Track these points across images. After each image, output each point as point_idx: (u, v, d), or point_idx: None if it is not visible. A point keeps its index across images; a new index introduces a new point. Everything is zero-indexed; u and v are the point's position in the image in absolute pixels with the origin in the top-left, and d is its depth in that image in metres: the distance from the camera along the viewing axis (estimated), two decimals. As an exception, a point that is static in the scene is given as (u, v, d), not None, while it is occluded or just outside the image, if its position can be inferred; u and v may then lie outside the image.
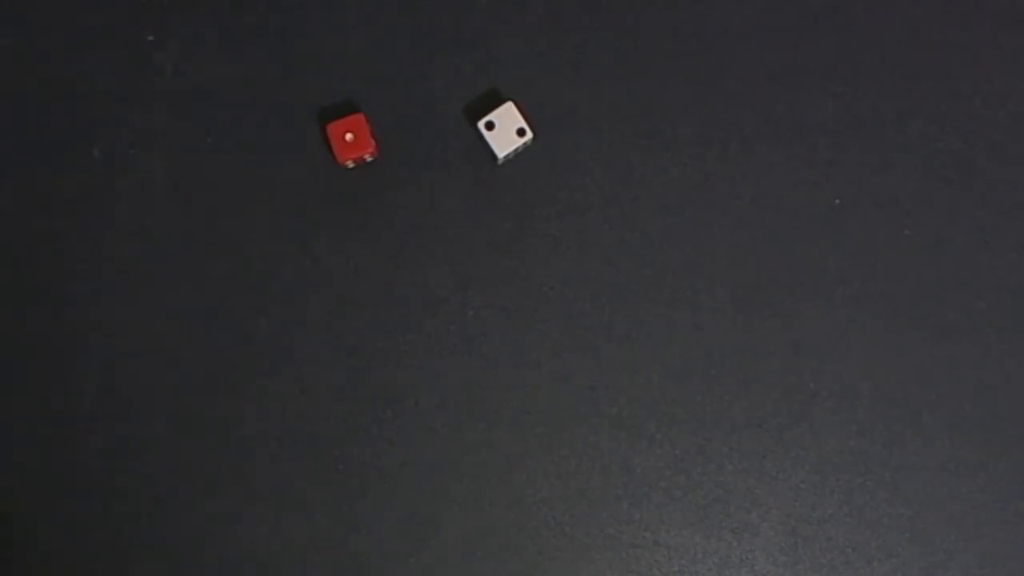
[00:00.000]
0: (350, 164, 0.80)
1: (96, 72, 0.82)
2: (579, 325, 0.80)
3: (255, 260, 0.80)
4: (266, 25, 0.82)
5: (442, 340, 0.80)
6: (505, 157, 0.79)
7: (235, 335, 0.79)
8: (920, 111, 0.81)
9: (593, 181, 0.81)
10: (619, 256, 0.80)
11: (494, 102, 0.81)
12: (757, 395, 0.79)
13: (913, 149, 0.81)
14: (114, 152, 0.81)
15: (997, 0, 0.82)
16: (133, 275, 0.80)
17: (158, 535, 0.78)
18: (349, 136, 0.78)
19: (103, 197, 0.81)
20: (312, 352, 0.79)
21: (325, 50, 0.82)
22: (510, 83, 0.81)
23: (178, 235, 0.80)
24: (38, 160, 0.81)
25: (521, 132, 0.79)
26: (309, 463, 0.79)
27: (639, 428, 0.79)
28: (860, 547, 0.78)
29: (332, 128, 0.78)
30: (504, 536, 0.78)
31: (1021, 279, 0.80)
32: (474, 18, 0.82)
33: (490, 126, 0.79)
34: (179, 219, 0.81)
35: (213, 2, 0.83)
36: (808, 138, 0.81)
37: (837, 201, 0.81)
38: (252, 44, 0.82)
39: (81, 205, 0.80)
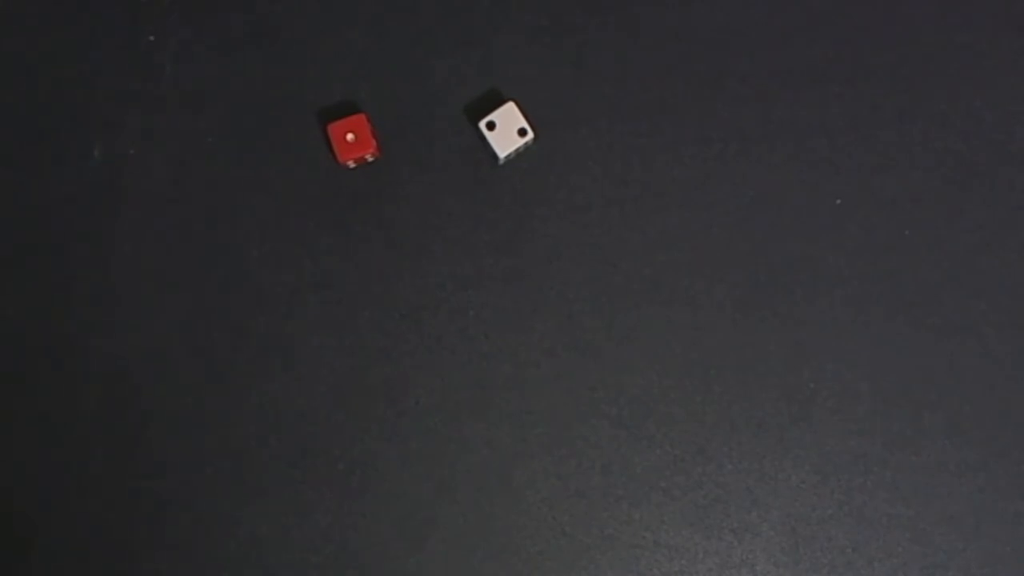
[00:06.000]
0: (351, 164, 0.80)
1: (96, 72, 0.82)
2: (579, 325, 0.80)
3: (255, 260, 0.80)
4: (266, 25, 0.82)
5: (442, 340, 0.80)
6: (506, 157, 0.79)
7: (235, 335, 0.79)
8: (920, 111, 0.81)
9: (593, 181, 0.81)
10: (619, 256, 0.80)
11: (495, 102, 0.81)
12: (757, 395, 0.79)
13: (913, 149, 0.81)
14: (115, 152, 0.81)
15: (997, 1, 0.82)
16: (134, 275, 0.80)
17: (158, 535, 0.78)
18: (350, 136, 0.78)
19: (104, 197, 0.81)
20: (312, 352, 0.79)
21: (325, 50, 0.82)
22: (511, 83, 0.81)
23: (178, 235, 0.80)
24: (39, 160, 0.81)
25: (522, 132, 0.79)
26: (309, 463, 0.79)
27: (639, 428, 0.79)
28: (860, 547, 0.78)
29: (333, 128, 0.78)
30: (504, 536, 0.78)
31: (1021, 279, 0.80)
32: (474, 18, 0.82)
33: (491, 126, 0.79)
34: (179, 219, 0.81)
35: (213, 2, 0.83)
36: (808, 138, 0.81)
37: (837, 201, 0.81)
38: (252, 44, 0.82)
39: (82, 205, 0.80)
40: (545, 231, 0.80)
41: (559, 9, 0.82)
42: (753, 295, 0.80)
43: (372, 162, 0.81)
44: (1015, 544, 0.78)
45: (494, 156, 0.80)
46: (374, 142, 0.79)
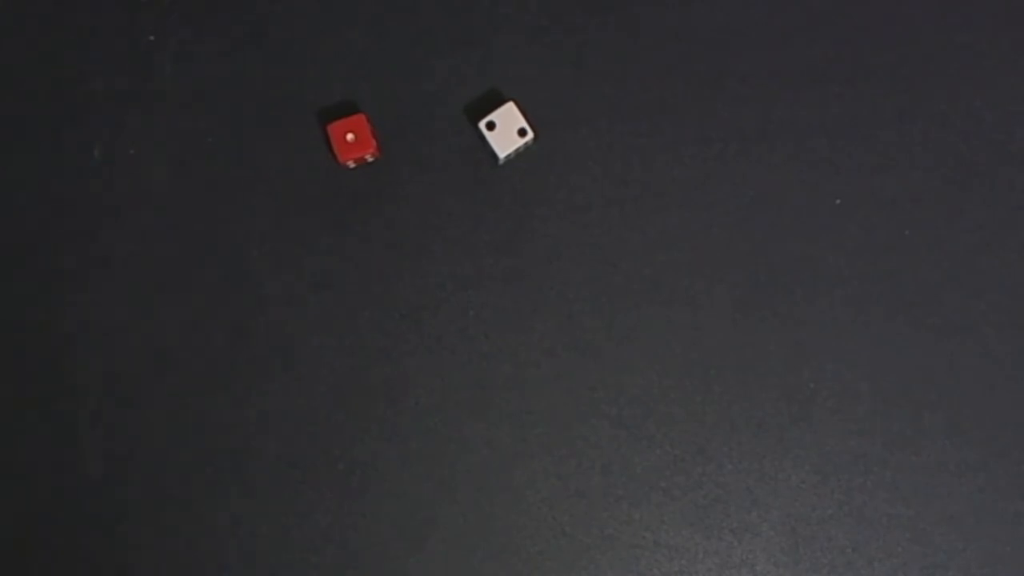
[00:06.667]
0: (351, 164, 0.80)
1: (96, 72, 0.82)
2: (579, 325, 0.80)
3: (255, 260, 0.80)
4: (266, 25, 0.82)
5: (442, 340, 0.80)
6: (506, 157, 0.79)
7: (235, 335, 0.79)
8: (920, 111, 0.81)
9: (593, 181, 0.81)
10: (619, 256, 0.80)
11: (495, 102, 0.81)
12: (757, 395, 0.79)
13: (913, 149, 0.81)
14: (114, 152, 0.81)
15: (997, 1, 0.82)
16: (133, 275, 0.80)
17: (158, 535, 0.78)
18: (350, 136, 0.78)
19: (103, 197, 0.81)
20: (312, 352, 0.79)
21: (325, 50, 0.82)
22: (511, 83, 0.81)
23: (178, 235, 0.80)
24: (38, 160, 0.81)
25: (522, 132, 0.79)
26: (309, 463, 0.79)
27: (639, 428, 0.79)
28: (860, 547, 0.78)
29: (333, 128, 0.78)
30: (504, 536, 0.78)
31: (1021, 279, 0.80)
32: (474, 18, 0.82)
33: (491, 126, 0.79)
34: (179, 219, 0.81)
35: (213, 2, 0.83)
36: (808, 138, 0.81)
37: (837, 201, 0.81)
38: (252, 44, 0.82)
39: (81, 205, 0.80)
40: (545, 231, 0.80)
41: (559, 9, 0.82)
42: (753, 295, 0.80)
43: (372, 162, 0.81)
44: (1015, 544, 0.78)
45: (494, 156, 0.80)
46: (374, 142, 0.79)
